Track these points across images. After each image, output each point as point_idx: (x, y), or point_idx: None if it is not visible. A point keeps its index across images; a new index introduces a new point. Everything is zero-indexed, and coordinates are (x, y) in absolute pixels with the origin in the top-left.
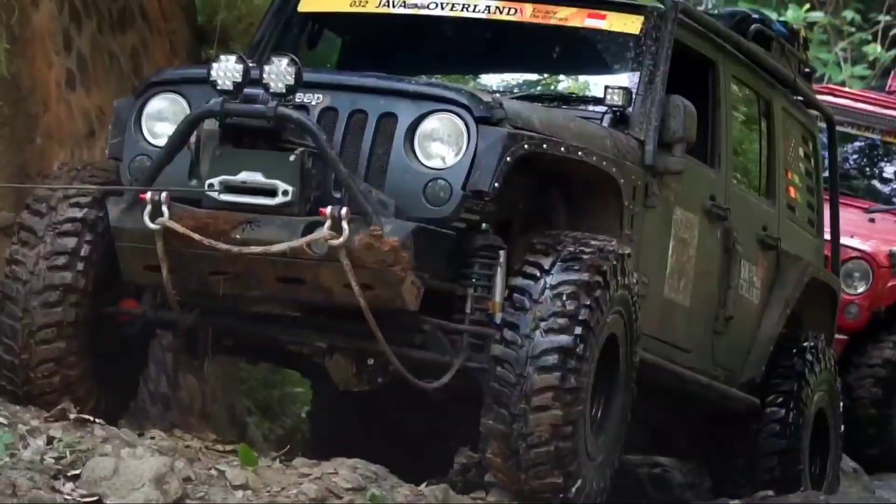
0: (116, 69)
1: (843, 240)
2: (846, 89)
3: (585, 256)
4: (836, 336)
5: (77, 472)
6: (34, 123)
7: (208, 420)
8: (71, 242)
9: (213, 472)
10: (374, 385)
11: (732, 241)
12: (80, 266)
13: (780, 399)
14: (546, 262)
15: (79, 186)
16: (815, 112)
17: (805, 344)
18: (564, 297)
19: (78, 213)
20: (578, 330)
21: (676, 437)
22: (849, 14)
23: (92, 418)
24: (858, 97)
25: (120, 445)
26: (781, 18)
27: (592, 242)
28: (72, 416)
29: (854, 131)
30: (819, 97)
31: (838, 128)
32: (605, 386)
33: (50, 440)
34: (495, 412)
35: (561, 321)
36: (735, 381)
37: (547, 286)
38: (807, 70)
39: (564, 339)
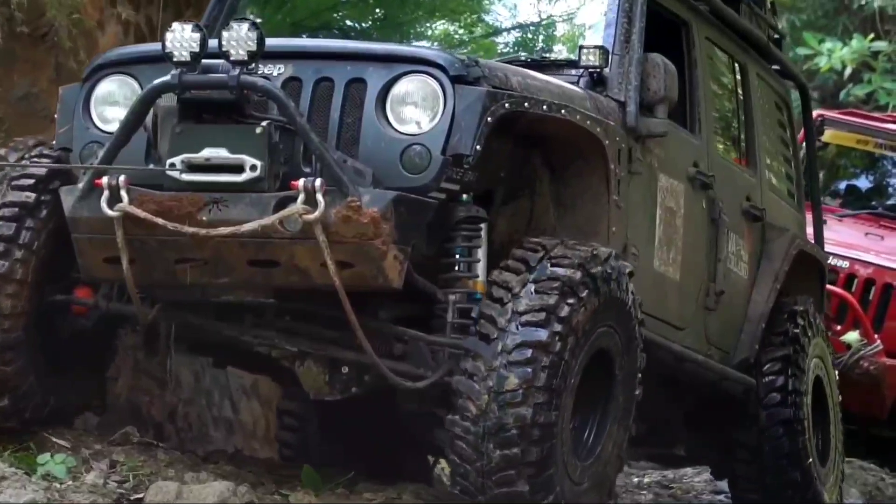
0: None
1: None
2: None
3: (559, 275)
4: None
5: (140, 496)
6: None
7: (272, 445)
8: (19, 196)
9: (276, 496)
10: (348, 394)
11: (718, 210)
12: (28, 223)
13: (778, 367)
14: (516, 284)
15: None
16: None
17: (796, 308)
18: (531, 325)
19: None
20: (545, 361)
21: (674, 425)
22: None
23: (156, 442)
24: None
25: (183, 469)
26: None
27: (565, 261)
28: (135, 439)
29: None
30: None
31: None
32: (599, 406)
33: (113, 464)
34: (461, 409)
35: (526, 352)
36: (728, 363)
37: (513, 312)
38: (776, 36)
39: (526, 371)
